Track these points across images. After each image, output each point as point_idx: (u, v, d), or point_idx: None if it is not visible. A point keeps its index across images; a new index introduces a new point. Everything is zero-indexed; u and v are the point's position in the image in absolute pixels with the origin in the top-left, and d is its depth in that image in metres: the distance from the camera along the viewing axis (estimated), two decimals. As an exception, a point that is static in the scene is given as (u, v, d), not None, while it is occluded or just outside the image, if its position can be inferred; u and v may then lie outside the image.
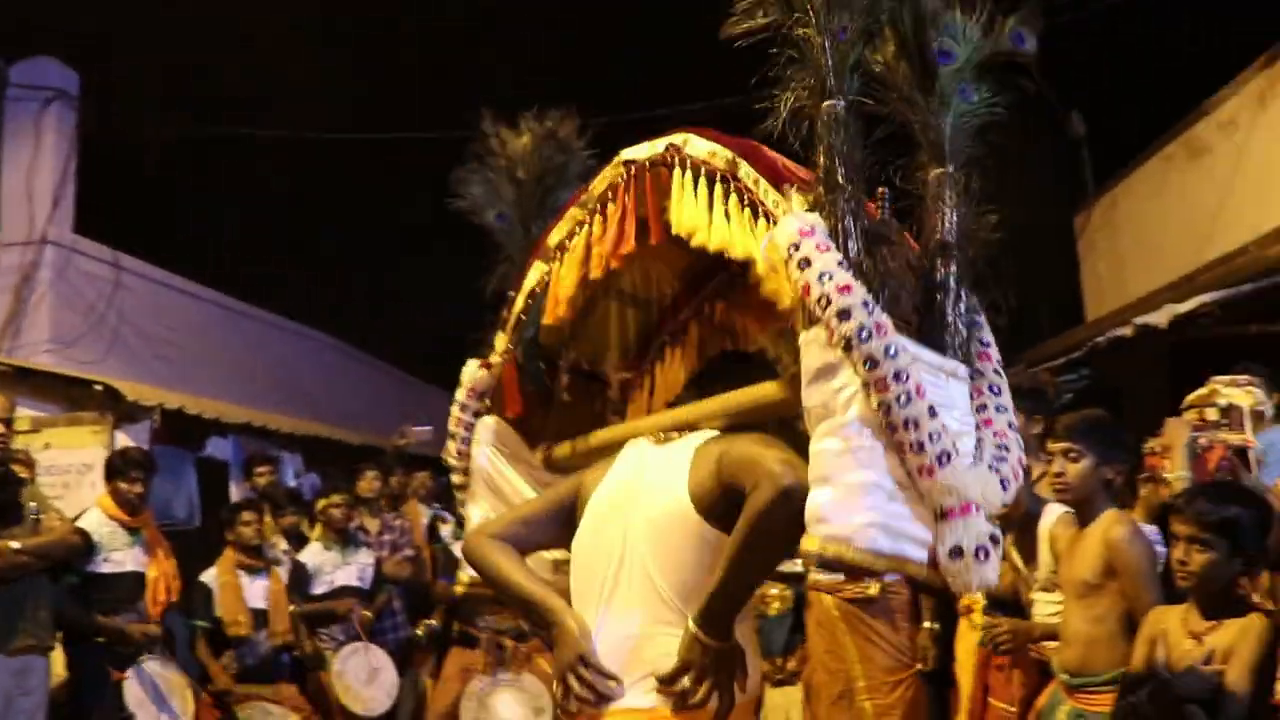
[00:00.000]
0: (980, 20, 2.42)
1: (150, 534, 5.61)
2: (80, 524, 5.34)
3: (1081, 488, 3.31)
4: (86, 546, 5.25)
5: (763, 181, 2.45)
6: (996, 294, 2.48)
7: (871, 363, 2.11)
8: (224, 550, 6.14)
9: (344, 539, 6.54)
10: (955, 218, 2.38)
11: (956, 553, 2.11)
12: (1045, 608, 3.96)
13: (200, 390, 9.39)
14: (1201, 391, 4.46)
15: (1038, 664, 4.03)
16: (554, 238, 2.92)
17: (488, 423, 3.05)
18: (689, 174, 2.58)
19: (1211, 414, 4.35)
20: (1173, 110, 10.19)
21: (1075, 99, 11.84)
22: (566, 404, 3.13)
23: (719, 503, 2.28)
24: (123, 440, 6.86)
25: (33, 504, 5.08)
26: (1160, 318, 7.12)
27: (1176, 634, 2.87)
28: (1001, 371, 2.42)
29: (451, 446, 3.10)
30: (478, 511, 2.98)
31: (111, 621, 5.28)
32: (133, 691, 5.21)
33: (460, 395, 3.07)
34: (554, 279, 2.85)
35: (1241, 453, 3.97)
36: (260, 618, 6.01)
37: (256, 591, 6.06)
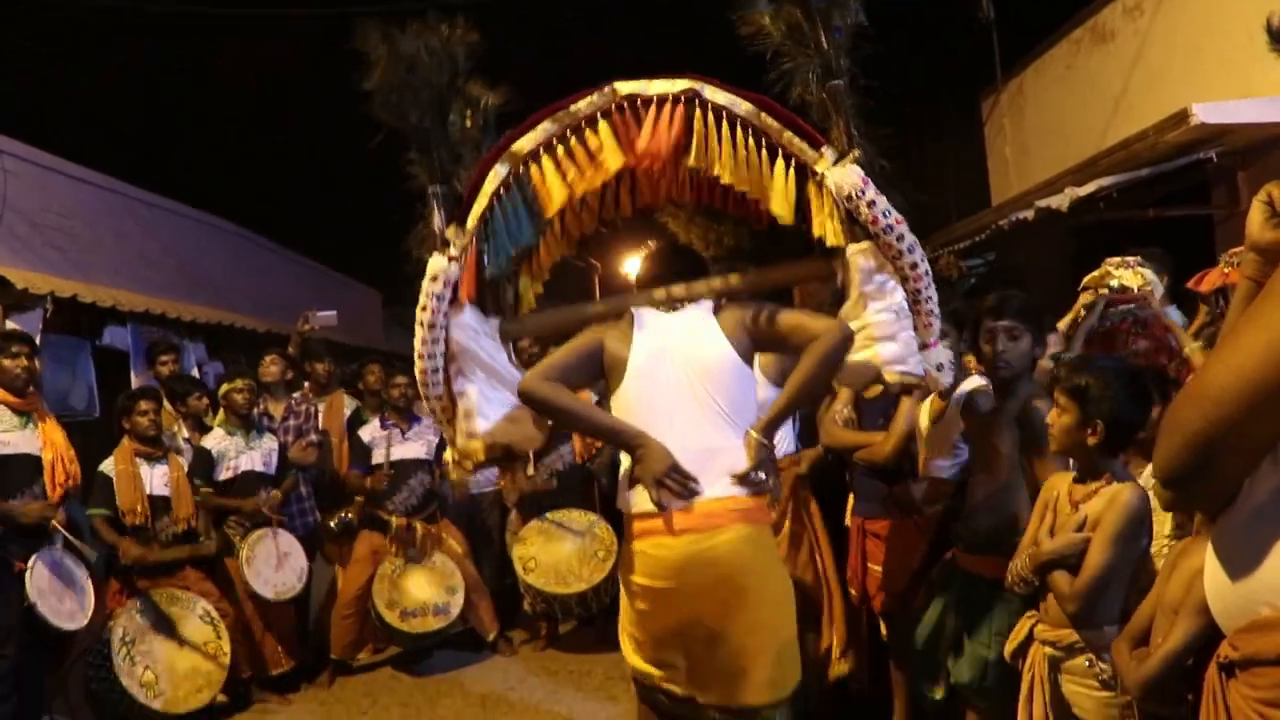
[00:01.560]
0: None
1: (41, 416, 5.43)
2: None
3: (1020, 364, 3.42)
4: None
5: (786, 131, 3.42)
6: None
7: (914, 265, 3.38)
8: (122, 440, 6.02)
9: (247, 424, 6.45)
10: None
11: (940, 367, 3.50)
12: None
13: (97, 279, 9.07)
14: (1095, 274, 4.59)
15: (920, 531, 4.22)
16: (523, 145, 3.45)
17: (463, 309, 3.49)
18: (711, 116, 3.42)
19: (1104, 294, 4.49)
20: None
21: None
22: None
23: (750, 350, 3.30)
24: (14, 329, 6.62)
25: None
26: (1060, 201, 7.24)
27: (1063, 499, 2.97)
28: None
29: (425, 335, 3.42)
30: (473, 388, 3.48)
31: (4, 505, 5.15)
32: (34, 581, 5.10)
33: (435, 288, 3.39)
34: (542, 180, 3.45)
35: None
36: (161, 505, 5.93)
37: (157, 479, 5.95)
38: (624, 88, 3.44)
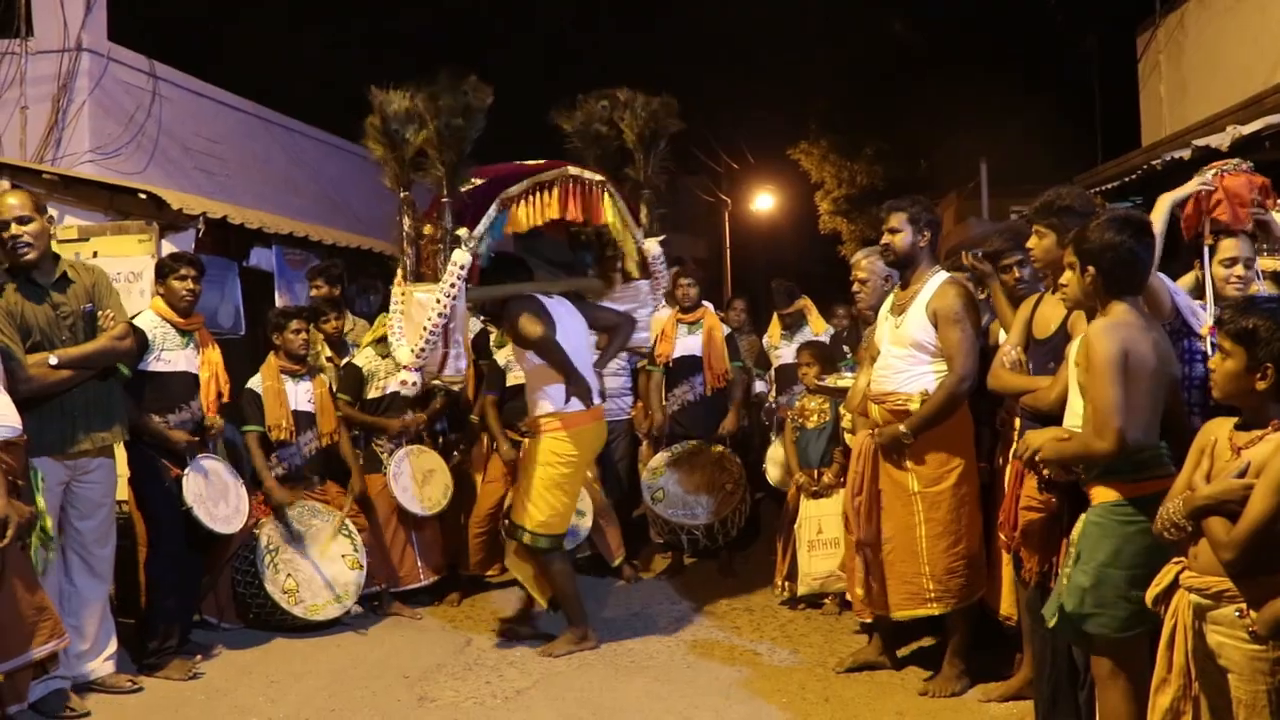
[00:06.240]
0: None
1: (202, 336, 5.63)
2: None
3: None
4: (140, 345, 5.23)
5: (627, 214, 6.01)
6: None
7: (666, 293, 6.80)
8: (269, 356, 6.24)
9: (397, 346, 6.60)
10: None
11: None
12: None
13: (243, 202, 9.36)
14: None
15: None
16: (511, 192, 5.54)
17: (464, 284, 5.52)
18: (607, 195, 5.91)
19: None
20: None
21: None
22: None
23: (591, 326, 5.97)
24: (169, 249, 6.88)
25: (86, 304, 4.91)
26: (1221, 140, 6.87)
27: (1222, 445, 2.85)
28: None
29: (447, 300, 5.17)
30: (462, 338, 5.51)
31: (158, 424, 5.35)
32: (190, 487, 5.36)
33: (459, 271, 5.20)
34: (521, 213, 5.60)
35: None
36: (305, 420, 6.17)
37: (301, 395, 6.18)
38: (571, 169, 5.76)
